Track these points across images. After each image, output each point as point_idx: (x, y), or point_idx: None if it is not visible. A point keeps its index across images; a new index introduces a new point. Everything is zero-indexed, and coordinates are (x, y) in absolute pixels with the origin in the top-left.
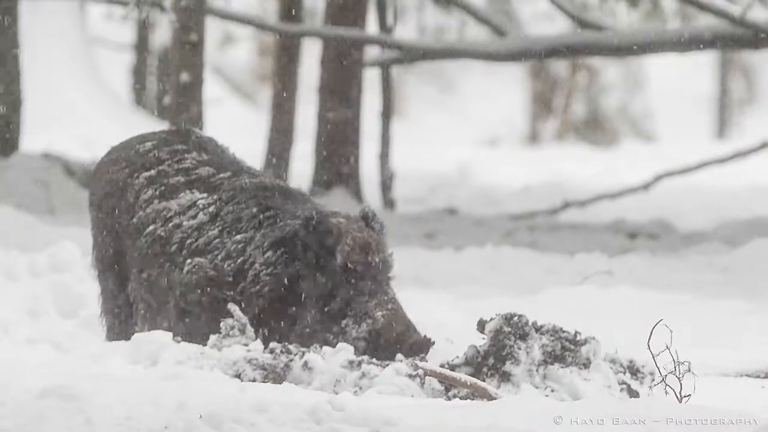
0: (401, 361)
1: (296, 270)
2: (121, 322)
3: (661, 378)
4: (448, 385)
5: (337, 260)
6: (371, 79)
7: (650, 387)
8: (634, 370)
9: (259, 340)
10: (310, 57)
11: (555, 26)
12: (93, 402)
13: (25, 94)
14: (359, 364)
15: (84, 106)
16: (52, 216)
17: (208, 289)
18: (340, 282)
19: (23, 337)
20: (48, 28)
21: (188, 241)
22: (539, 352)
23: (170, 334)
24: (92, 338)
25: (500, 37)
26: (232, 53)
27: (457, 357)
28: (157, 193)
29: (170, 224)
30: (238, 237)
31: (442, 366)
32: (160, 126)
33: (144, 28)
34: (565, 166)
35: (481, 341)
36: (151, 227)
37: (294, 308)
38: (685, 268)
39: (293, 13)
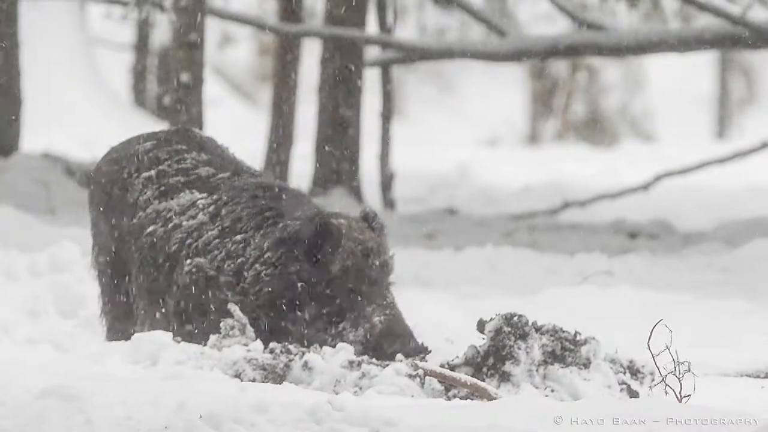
0: (401, 361)
1: (296, 271)
2: (121, 322)
3: (661, 378)
4: (448, 385)
5: (336, 264)
6: (371, 79)
7: (650, 387)
8: (634, 370)
9: (259, 340)
10: (310, 57)
11: (555, 27)
12: (93, 402)
13: (25, 94)
14: (359, 364)
15: (84, 106)
16: (52, 216)
17: (208, 289)
18: (339, 285)
19: (23, 337)
20: (48, 28)
21: (188, 241)
22: (539, 352)
23: (170, 334)
24: (92, 338)
25: (500, 37)
26: (232, 53)
27: (457, 357)
28: (157, 193)
29: (170, 224)
30: (238, 237)
31: (442, 366)
32: (160, 126)
33: (144, 28)
34: (565, 166)
35: (481, 341)
36: (151, 227)
37: (293, 309)
38: (685, 268)
39: (293, 13)
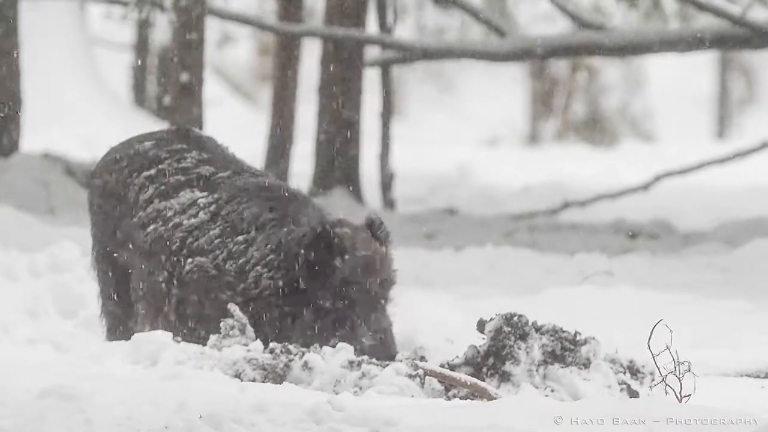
0: (401, 361)
1: (297, 278)
2: (121, 322)
3: (661, 378)
4: (448, 385)
5: (336, 278)
6: (371, 79)
7: (650, 387)
8: (634, 370)
9: (259, 341)
10: (310, 57)
11: (555, 27)
12: (93, 402)
13: (25, 94)
14: (359, 364)
15: (84, 106)
16: (52, 216)
17: (209, 288)
18: (338, 297)
19: (23, 337)
20: (48, 28)
21: (189, 240)
22: (539, 352)
23: (170, 334)
24: (92, 338)
25: (500, 37)
26: (232, 53)
27: (457, 357)
28: (157, 192)
29: (170, 223)
30: (240, 238)
31: (442, 366)
32: (160, 126)
33: (144, 28)
34: (565, 166)
35: (481, 341)
36: (152, 226)
37: (291, 315)
38: (685, 268)
39: (293, 13)
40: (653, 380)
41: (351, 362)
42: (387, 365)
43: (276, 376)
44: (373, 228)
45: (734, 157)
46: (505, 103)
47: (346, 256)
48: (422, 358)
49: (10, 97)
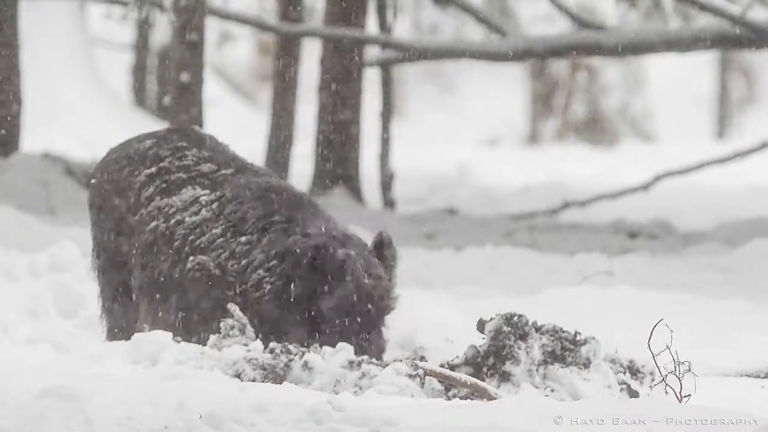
0: (401, 361)
1: (297, 292)
2: (121, 322)
3: (661, 378)
4: (448, 385)
5: (331, 302)
6: (371, 79)
7: (650, 387)
8: (634, 370)
9: (258, 340)
10: (310, 57)
11: (555, 27)
12: (93, 402)
13: (25, 94)
14: (359, 364)
15: (84, 106)
16: (52, 216)
17: (210, 287)
18: (330, 318)
19: (23, 337)
20: (48, 28)
21: (191, 238)
22: (539, 352)
23: (170, 334)
24: (92, 338)
25: (501, 37)
26: (232, 53)
27: (457, 357)
28: (159, 189)
29: (172, 220)
30: (243, 239)
31: (442, 366)
32: (160, 126)
33: (144, 28)
34: (565, 166)
35: (481, 341)
36: (153, 223)
37: (287, 323)
38: (685, 268)
39: (293, 13)
40: (653, 380)
41: (351, 362)
42: (387, 365)
43: (276, 376)
44: (381, 249)
45: (734, 157)
46: (505, 103)
47: (345, 282)
48: (422, 358)
49: (10, 97)
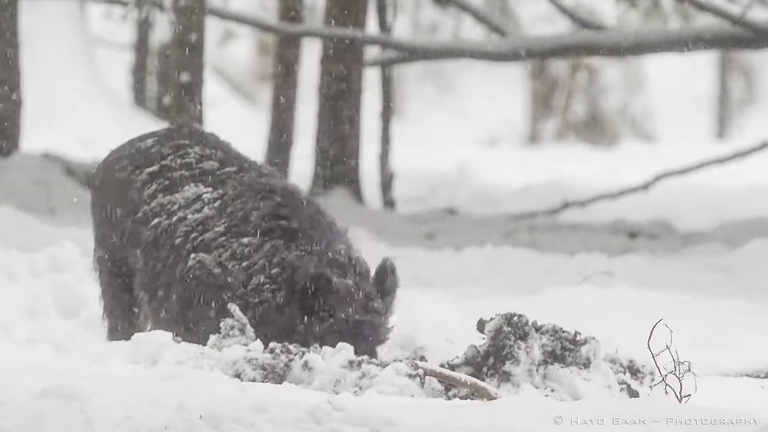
0: (401, 361)
1: (294, 309)
2: (123, 322)
3: (661, 378)
4: (448, 385)
5: (322, 330)
6: (371, 79)
7: (650, 387)
8: (634, 370)
9: (258, 340)
10: (310, 57)
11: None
12: (93, 402)
13: (25, 94)
14: (359, 364)
15: (84, 106)
16: (52, 216)
17: (210, 286)
18: (324, 342)
19: (23, 337)
20: (48, 28)
21: (193, 235)
22: (539, 352)
23: (170, 334)
24: (92, 338)
25: (500, 37)
26: (232, 53)
27: (457, 357)
28: (161, 187)
29: (174, 217)
30: (245, 240)
31: (442, 366)
32: (160, 126)
33: (144, 28)
34: (565, 166)
35: (481, 341)
36: (155, 220)
37: (282, 333)
38: (685, 268)
39: (293, 13)
40: (653, 380)
41: (351, 362)
42: (387, 365)
43: (276, 376)
44: (384, 276)
45: (734, 157)
46: (505, 103)
47: (337, 319)
48: (422, 358)
49: (10, 97)
